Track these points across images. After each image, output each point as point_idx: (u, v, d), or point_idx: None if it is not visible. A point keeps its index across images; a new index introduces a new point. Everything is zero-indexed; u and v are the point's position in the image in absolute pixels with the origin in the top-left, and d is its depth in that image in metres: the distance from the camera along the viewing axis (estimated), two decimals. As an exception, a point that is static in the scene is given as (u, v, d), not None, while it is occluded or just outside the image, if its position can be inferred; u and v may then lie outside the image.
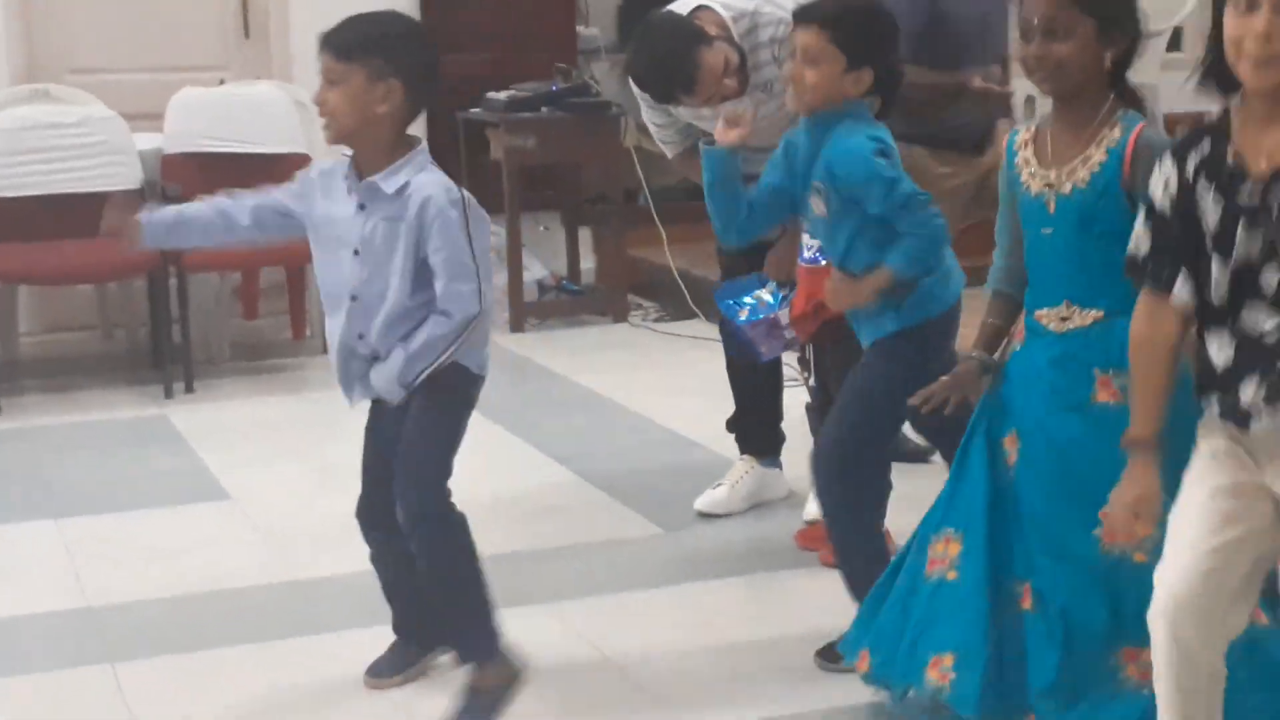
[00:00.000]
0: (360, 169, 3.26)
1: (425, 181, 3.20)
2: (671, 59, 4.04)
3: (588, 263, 7.77)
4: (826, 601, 3.82)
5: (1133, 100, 2.93)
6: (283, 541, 4.57)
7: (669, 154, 4.58)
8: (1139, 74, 3.02)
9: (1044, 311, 3.00)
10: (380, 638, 3.62)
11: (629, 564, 4.26)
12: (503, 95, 7.23)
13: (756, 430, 4.68)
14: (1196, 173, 2.45)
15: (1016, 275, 3.11)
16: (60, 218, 6.18)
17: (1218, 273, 2.43)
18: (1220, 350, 2.45)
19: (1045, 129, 2.99)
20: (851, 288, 3.51)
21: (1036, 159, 2.97)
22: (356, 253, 3.25)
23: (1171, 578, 2.53)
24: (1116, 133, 2.89)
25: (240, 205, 3.43)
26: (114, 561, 4.40)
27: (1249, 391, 2.42)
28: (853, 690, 3.38)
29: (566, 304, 7.43)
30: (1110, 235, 2.82)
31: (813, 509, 4.26)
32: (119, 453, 5.47)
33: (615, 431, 5.44)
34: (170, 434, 5.67)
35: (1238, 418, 2.45)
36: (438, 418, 3.31)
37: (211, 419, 5.88)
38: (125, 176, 6.35)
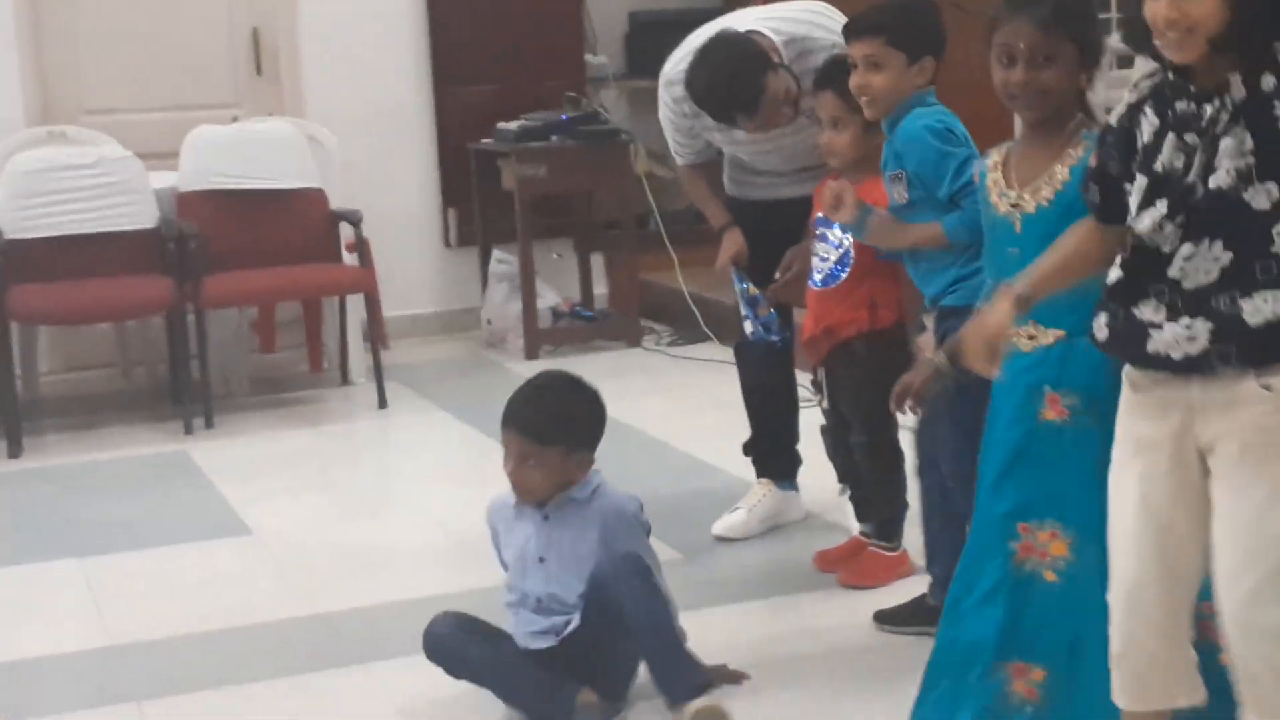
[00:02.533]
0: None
1: (608, 494, 3.48)
2: (737, 80, 4.00)
3: (600, 288, 7.78)
4: (846, 622, 3.80)
5: (1093, 117, 2.94)
6: (305, 574, 4.55)
7: (679, 161, 4.55)
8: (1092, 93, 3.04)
9: (1013, 330, 2.93)
10: (406, 669, 3.61)
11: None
12: (513, 125, 7.23)
13: (773, 453, 4.66)
14: (1143, 95, 2.49)
15: None
16: (79, 258, 6.19)
17: (1138, 187, 2.46)
18: (1116, 266, 2.50)
19: (1015, 152, 3.00)
20: (894, 230, 3.56)
21: (1005, 181, 2.97)
22: (542, 560, 3.44)
23: (1120, 568, 2.57)
24: (1080, 150, 2.88)
25: None
26: (137, 598, 4.39)
27: (1146, 308, 2.44)
28: (875, 710, 3.36)
29: (580, 330, 7.42)
30: None
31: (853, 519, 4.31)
32: (140, 489, 5.46)
33: (631, 456, 5.42)
34: (191, 469, 5.67)
35: (1132, 336, 2.46)
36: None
37: (231, 453, 5.87)
38: (142, 215, 6.36)
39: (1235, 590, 2.45)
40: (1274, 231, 2.35)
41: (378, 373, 6.42)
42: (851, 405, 4.06)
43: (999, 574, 2.94)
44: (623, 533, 3.42)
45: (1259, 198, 2.35)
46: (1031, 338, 2.94)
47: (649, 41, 8.78)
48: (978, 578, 2.98)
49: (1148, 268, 2.45)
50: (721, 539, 4.56)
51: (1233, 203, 2.35)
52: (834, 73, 3.85)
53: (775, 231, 4.32)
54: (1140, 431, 2.55)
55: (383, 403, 6.39)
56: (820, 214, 3.92)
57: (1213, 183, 2.37)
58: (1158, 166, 2.43)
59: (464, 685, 3.51)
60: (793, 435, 4.65)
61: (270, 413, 6.51)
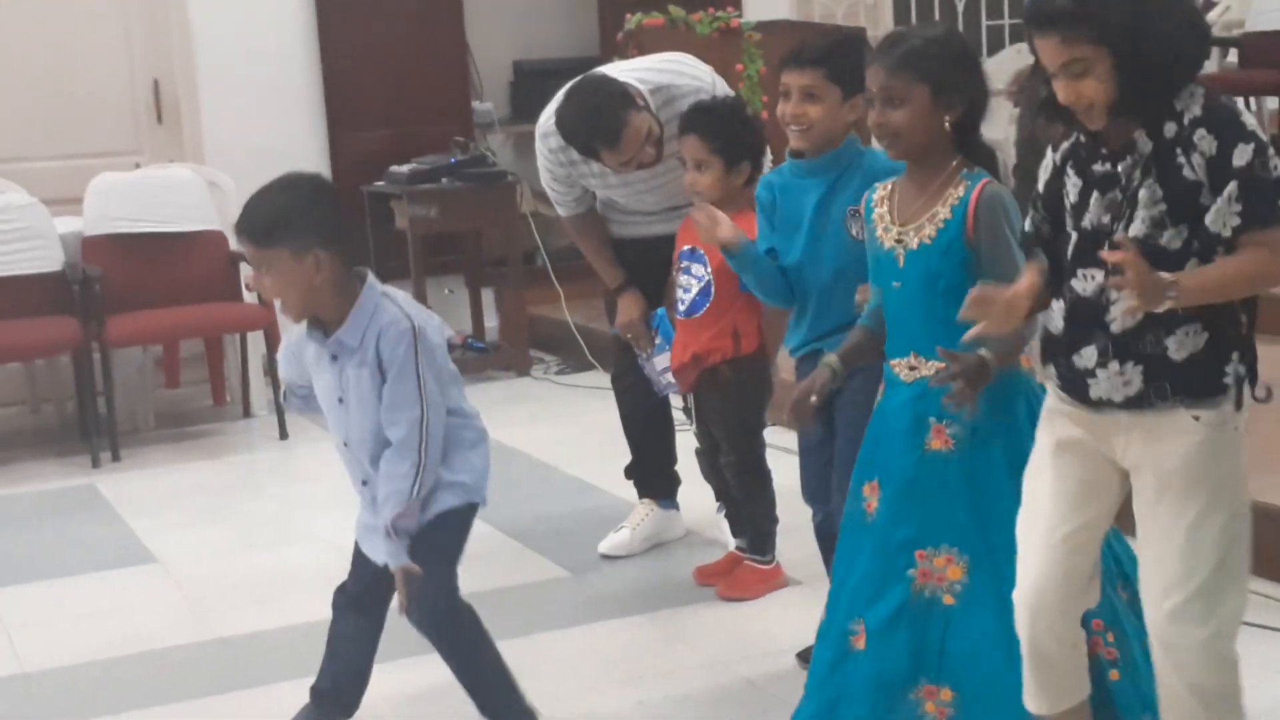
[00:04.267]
0: (323, 326, 3.13)
1: (380, 319, 3.09)
2: (601, 114, 4.02)
3: (491, 322, 7.77)
4: (725, 632, 3.82)
5: (982, 158, 2.91)
6: (209, 601, 4.49)
7: (561, 213, 4.56)
8: (988, 129, 3.02)
9: (896, 361, 2.96)
10: (307, 690, 3.57)
11: (538, 606, 4.23)
12: (405, 169, 7.22)
13: (653, 475, 4.68)
14: (1064, 158, 2.53)
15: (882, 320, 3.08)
16: (-14, 300, 6.09)
17: (1070, 240, 2.49)
18: (1056, 314, 2.50)
19: (899, 188, 2.97)
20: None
21: (890, 215, 2.94)
22: (341, 400, 3.17)
23: (1029, 573, 2.58)
24: (960, 190, 2.86)
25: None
26: (47, 627, 4.31)
27: (1086, 357, 2.46)
28: (753, 713, 3.38)
29: (473, 361, 7.40)
30: (953, 290, 2.76)
31: (726, 532, 4.35)
32: (49, 522, 5.37)
33: (522, 480, 5.42)
34: (98, 502, 5.58)
35: (1077, 383, 2.47)
36: (436, 538, 3.19)
37: (137, 486, 5.79)
38: (48, 259, 6.28)
39: (1161, 608, 2.46)
40: (1188, 268, 2.37)
41: (278, 405, 6.37)
42: (720, 427, 4.10)
43: (900, 600, 2.91)
44: (389, 366, 3.08)
45: (1174, 240, 2.38)
46: (913, 369, 2.91)
47: (532, 88, 8.81)
48: (873, 603, 2.94)
49: (1087, 318, 2.46)
50: (607, 557, 4.56)
51: (1151, 248, 2.37)
52: (697, 117, 3.89)
53: (648, 266, 4.34)
54: (1065, 433, 2.55)
55: (283, 434, 6.35)
56: (684, 248, 3.95)
57: (1132, 232, 2.40)
58: (1086, 224, 2.47)
59: (370, 702, 3.46)
60: (670, 457, 4.67)
61: (175, 446, 6.43)
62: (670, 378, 4.22)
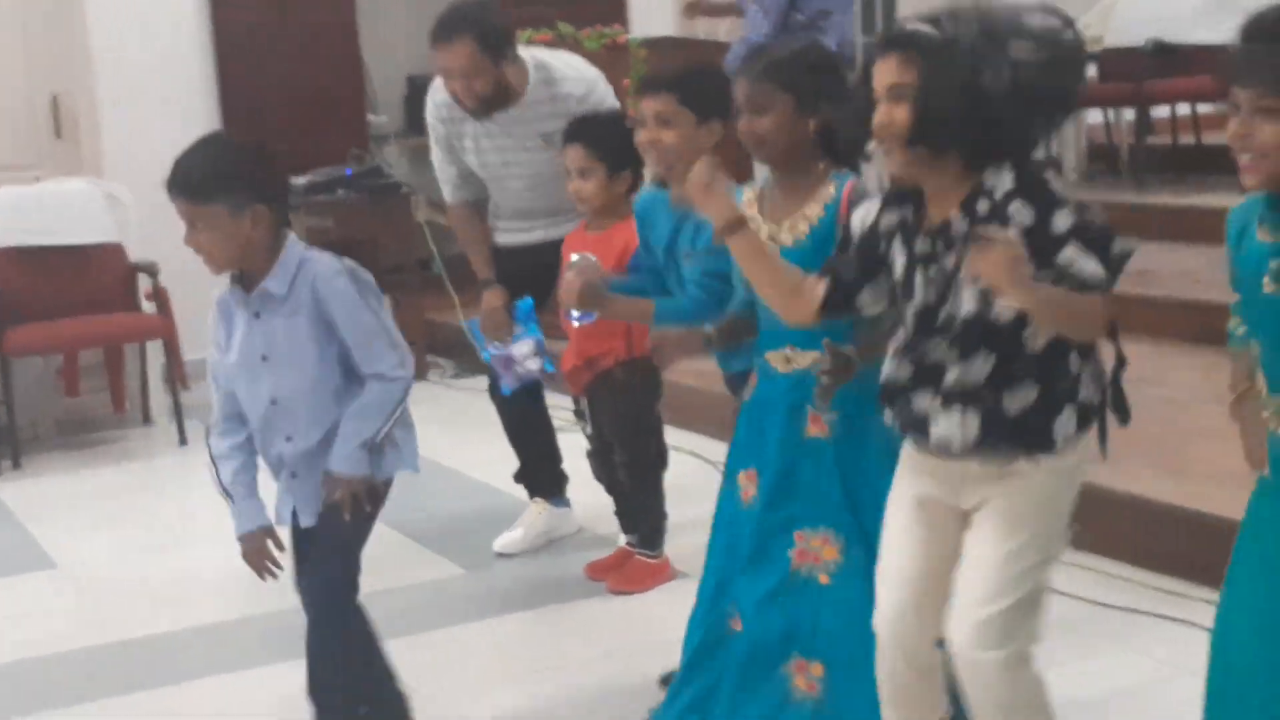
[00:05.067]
0: (245, 283, 3.00)
1: (310, 266, 2.98)
2: (458, 13, 4.12)
3: (388, 328, 7.69)
4: (616, 625, 3.82)
5: (848, 160, 2.90)
6: (110, 605, 4.41)
7: (447, 198, 4.56)
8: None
9: (771, 354, 2.96)
10: (221, 687, 3.53)
11: (435, 603, 4.20)
12: (302, 180, 7.14)
13: (540, 475, 4.67)
14: (889, 230, 2.51)
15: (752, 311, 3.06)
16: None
17: (905, 311, 2.48)
18: (900, 369, 2.50)
19: (769, 189, 2.97)
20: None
21: (761, 215, 2.93)
22: (265, 358, 3.01)
23: (884, 605, 2.60)
24: (831, 189, 2.88)
25: (237, 442, 3.13)
26: (-53, 634, 4.21)
27: (923, 401, 2.46)
28: (641, 703, 3.38)
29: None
30: None
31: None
32: (-50, 530, 5.25)
33: (418, 481, 5.32)
34: (-1, 509, 5.47)
35: (915, 424, 2.48)
36: (342, 522, 3.05)
37: (38, 492, 5.68)
38: (-54, 271, 6.14)
39: (965, 624, 2.46)
40: (1024, 336, 2.37)
41: (177, 412, 6.30)
42: (614, 428, 4.09)
43: (777, 579, 2.92)
44: (336, 304, 2.97)
45: (1005, 313, 2.36)
46: (789, 360, 2.91)
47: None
48: (752, 585, 2.95)
49: (929, 374, 2.45)
50: (502, 555, 4.54)
51: (986, 322, 2.38)
52: (580, 127, 3.89)
53: (531, 271, 4.35)
54: (919, 490, 2.56)
55: (183, 440, 6.26)
56: (574, 255, 3.95)
57: (963, 312, 2.39)
58: (917, 301, 2.45)
59: (269, 703, 3.41)
60: (555, 457, 4.66)
61: (75, 453, 6.31)
62: (532, 365, 4.24)
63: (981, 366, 2.40)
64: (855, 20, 6.18)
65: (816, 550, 2.91)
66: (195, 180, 2.90)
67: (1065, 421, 2.41)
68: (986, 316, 2.37)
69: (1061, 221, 2.28)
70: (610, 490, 4.34)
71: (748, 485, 3.01)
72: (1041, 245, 2.26)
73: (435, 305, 7.33)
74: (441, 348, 7.53)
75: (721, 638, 3.00)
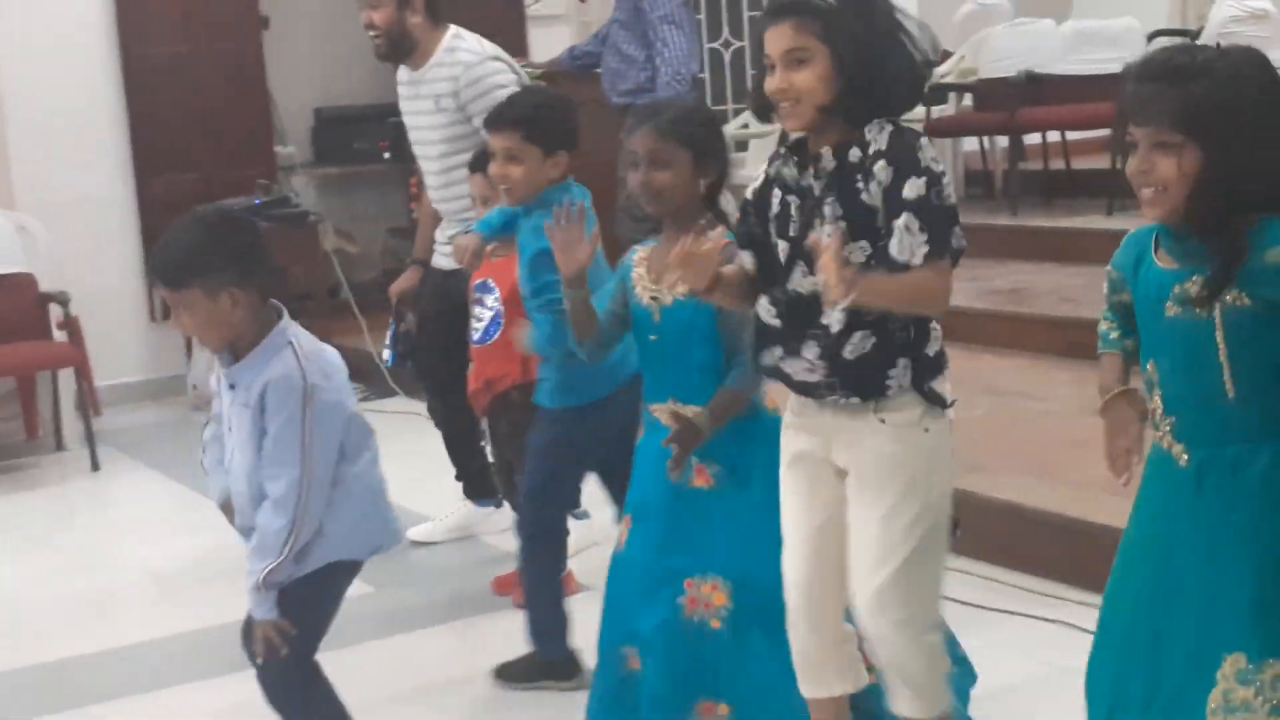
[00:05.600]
0: (235, 353, 2.89)
1: (273, 371, 2.83)
2: None
3: (298, 353, 7.64)
4: (521, 638, 3.83)
5: (723, 219, 2.92)
6: (26, 626, 4.36)
7: None
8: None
9: (656, 406, 2.98)
10: (125, 708, 3.50)
11: (344, 622, 4.13)
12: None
13: (467, 479, 4.75)
14: (771, 172, 2.59)
15: None
16: None
17: (779, 248, 2.55)
18: (770, 314, 2.55)
19: (656, 248, 2.98)
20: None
21: (648, 274, 2.97)
22: (230, 430, 2.93)
23: (788, 574, 2.65)
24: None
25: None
26: None
27: (792, 342, 2.51)
28: (548, 714, 3.40)
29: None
30: (707, 341, 2.87)
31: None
32: None
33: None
34: (-87, 536, 5.36)
35: (779, 367, 2.54)
36: (300, 609, 2.90)
37: (-48, 519, 5.57)
38: None
39: (865, 592, 2.53)
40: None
41: (89, 438, 6.22)
42: (512, 449, 4.10)
43: (670, 624, 2.92)
44: (278, 417, 2.81)
45: (856, 254, 2.43)
46: (674, 414, 2.93)
47: (332, 133, 8.76)
48: (642, 627, 2.95)
49: (797, 316, 2.51)
50: (416, 543, 4.66)
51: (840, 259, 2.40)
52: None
53: (446, 293, 4.42)
54: (796, 447, 2.62)
55: (95, 465, 6.18)
56: (478, 280, 3.96)
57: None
58: (791, 232, 2.52)
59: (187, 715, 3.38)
60: (482, 464, 4.71)
61: (-11, 480, 6.22)
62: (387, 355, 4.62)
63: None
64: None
65: (707, 597, 2.92)
66: (171, 267, 2.82)
67: (900, 373, 2.47)
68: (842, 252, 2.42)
69: (911, 190, 2.38)
70: (514, 507, 4.36)
71: (624, 530, 3.05)
72: (890, 206, 2.38)
73: (343, 330, 7.28)
74: (351, 372, 7.43)
75: (624, 676, 3.01)
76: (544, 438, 3.52)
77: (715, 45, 9.25)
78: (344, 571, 2.98)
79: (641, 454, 3.05)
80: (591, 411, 3.42)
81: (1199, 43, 2.22)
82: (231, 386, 2.90)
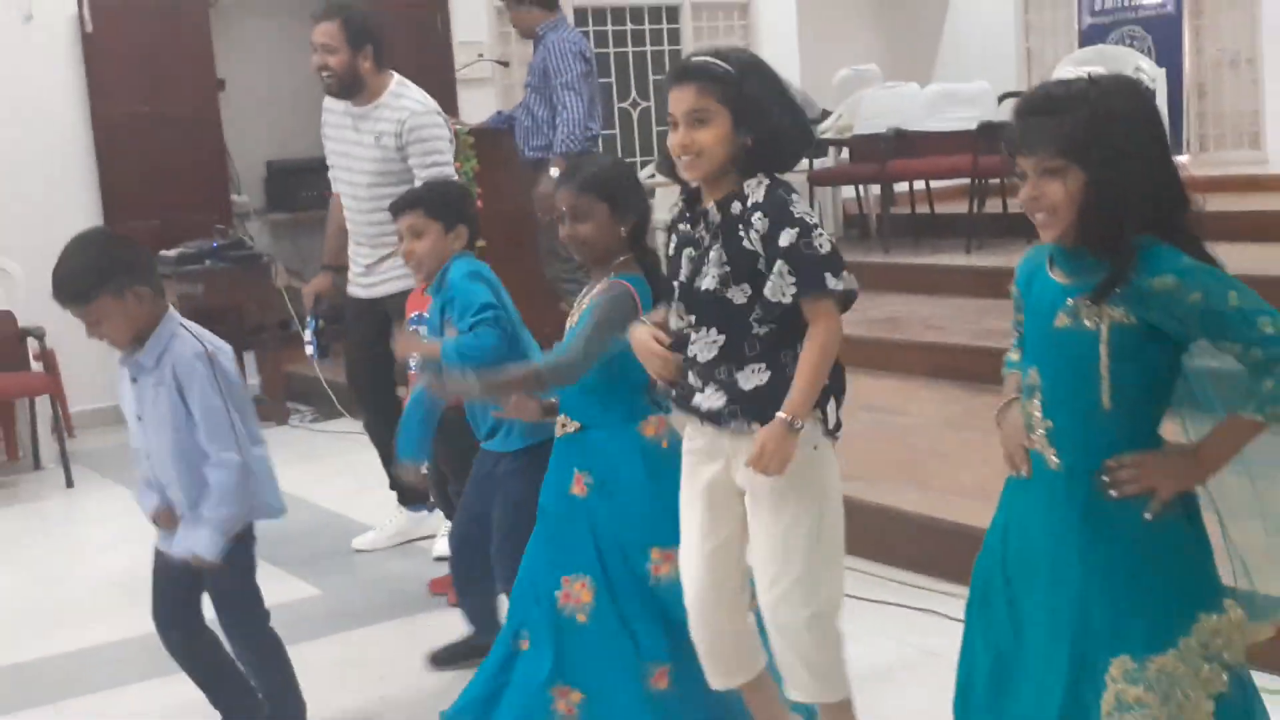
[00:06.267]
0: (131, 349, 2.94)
1: (174, 347, 2.90)
2: (357, 9, 4.34)
3: (253, 379, 7.55)
4: (455, 633, 3.81)
5: (645, 260, 2.91)
6: (7, 630, 4.24)
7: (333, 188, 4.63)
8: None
9: (558, 419, 2.99)
10: (94, 705, 3.42)
11: (294, 622, 4.09)
12: (174, 252, 6.99)
13: (401, 488, 4.69)
14: (671, 221, 2.61)
15: None
16: None
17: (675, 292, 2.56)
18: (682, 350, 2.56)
19: (589, 286, 2.98)
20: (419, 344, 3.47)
21: (577, 309, 2.94)
22: (140, 418, 2.97)
23: (689, 584, 2.64)
24: (602, 286, 2.87)
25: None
26: None
27: (692, 378, 2.52)
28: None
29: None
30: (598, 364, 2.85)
31: (440, 546, 4.31)
32: None
33: (281, 514, 5.27)
34: (-102, 551, 5.21)
35: (687, 398, 2.54)
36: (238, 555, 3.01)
37: (-64, 534, 5.42)
38: None
39: (769, 597, 2.51)
40: (751, 319, 2.44)
41: (64, 458, 6.11)
42: (447, 461, 4.08)
43: (548, 614, 2.92)
44: (192, 387, 2.88)
45: (738, 295, 2.44)
46: (564, 425, 2.94)
47: (283, 183, 8.68)
48: (529, 614, 2.95)
49: (685, 349, 2.53)
50: (360, 551, 4.64)
51: (720, 299, 2.45)
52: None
53: (370, 320, 4.41)
54: (697, 473, 2.60)
55: (70, 483, 6.06)
56: (413, 314, 3.93)
57: (704, 285, 2.46)
58: (681, 276, 2.52)
59: (155, 712, 3.31)
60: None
61: (-30, 497, 6.06)
62: (310, 350, 4.65)
63: (710, 341, 2.47)
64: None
65: (577, 594, 2.91)
66: (77, 285, 2.83)
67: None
68: (724, 294, 2.45)
69: (785, 239, 2.40)
70: (448, 515, 4.33)
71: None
72: (769, 253, 2.41)
73: (293, 359, 7.21)
74: (300, 395, 7.40)
75: (513, 655, 2.98)
76: (517, 491, 3.31)
77: (624, 105, 9.28)
78: (251, 535, 3.08)
79: (551, 460, 3.02)
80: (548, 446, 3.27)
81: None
82: (134, 379, 2.92)
